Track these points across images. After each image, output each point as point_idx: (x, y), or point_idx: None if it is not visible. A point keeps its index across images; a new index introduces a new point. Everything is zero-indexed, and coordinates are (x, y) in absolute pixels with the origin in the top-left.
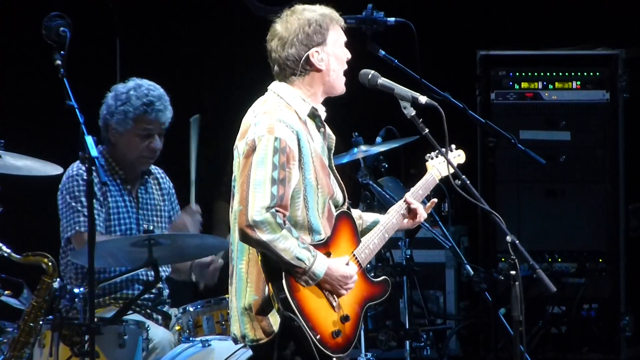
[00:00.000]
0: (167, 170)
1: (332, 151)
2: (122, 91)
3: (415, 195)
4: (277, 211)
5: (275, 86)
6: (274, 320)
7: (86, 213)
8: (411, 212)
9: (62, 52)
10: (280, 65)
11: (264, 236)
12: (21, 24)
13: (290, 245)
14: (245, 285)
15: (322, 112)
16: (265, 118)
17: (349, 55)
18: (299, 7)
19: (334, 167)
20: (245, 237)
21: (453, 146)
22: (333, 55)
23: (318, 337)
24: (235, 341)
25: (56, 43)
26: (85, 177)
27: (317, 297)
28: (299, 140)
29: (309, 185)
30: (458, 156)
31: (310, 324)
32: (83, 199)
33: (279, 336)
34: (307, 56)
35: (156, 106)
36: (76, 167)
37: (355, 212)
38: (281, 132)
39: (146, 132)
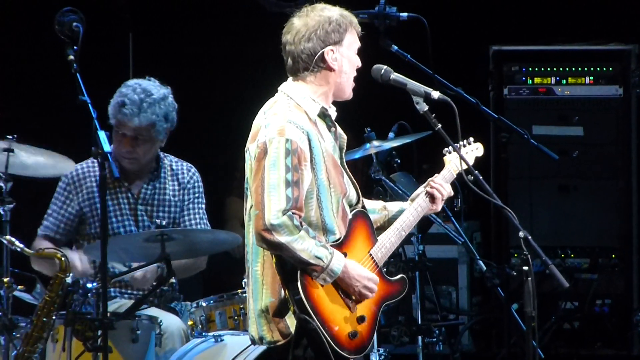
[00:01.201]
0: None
1: (344, 150)
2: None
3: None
4: (293, 213)
5: (285, 87)
6: (291, 322)
7: (47, 215)
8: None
9: (75, 47)
10: (294, 59)
11: (282, 238)
12: (34, 19)
13: (309, 245)
14: (261, 287)
15: (333, 112)
16: (275, 120)
17: (359, 64)
18: (319, 5)
19: (347, 166)
20: (263, 241)
21: (471, 139)
22: (346, 58)
23: (334, 339)
24: (254, 342)
25: (69, 38)
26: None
27: (333, 298)
28: (309, 140)
29: (322, 185)
30: (476, 149)
31: (326, 325)
32: (54, 200)
33: (296, 338)
34: (322, 53)
35: (125, 109)
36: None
37: (379, 204)
38: (292, 133)
39: (120, 130)
